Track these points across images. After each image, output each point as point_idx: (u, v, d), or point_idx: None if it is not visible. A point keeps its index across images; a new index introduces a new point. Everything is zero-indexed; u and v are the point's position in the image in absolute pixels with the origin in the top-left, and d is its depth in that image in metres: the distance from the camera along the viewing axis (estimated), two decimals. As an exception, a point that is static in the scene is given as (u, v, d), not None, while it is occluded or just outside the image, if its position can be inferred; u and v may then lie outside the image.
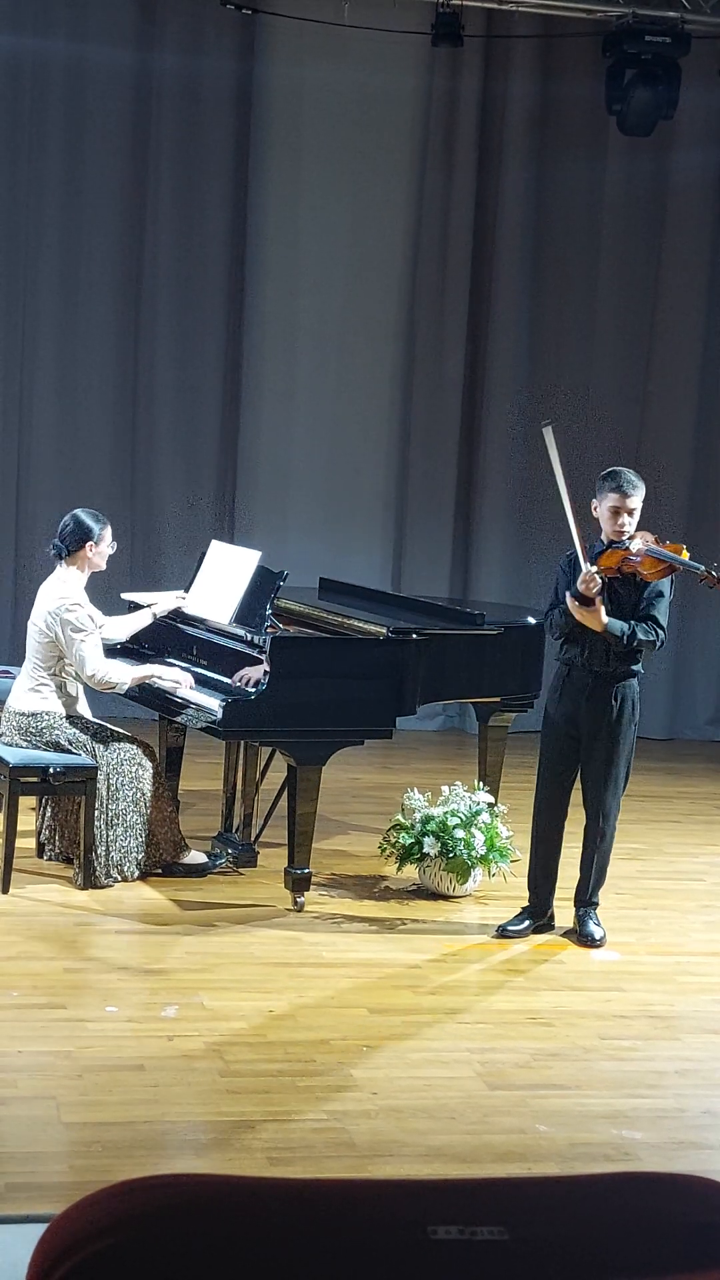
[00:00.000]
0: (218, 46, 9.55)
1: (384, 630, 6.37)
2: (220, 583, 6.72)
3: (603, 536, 6.00)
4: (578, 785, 6.20)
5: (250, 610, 6.46)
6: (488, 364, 10.19)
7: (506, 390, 10.17)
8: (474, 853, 6.48)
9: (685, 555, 5.87)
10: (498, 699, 6.90)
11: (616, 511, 5.93)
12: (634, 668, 6.03)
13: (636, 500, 5.95)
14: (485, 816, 6.56)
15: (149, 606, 6.85)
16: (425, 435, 10.16)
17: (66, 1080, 4.59)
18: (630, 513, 5.93)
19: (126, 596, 7.35)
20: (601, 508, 5.98)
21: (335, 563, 9.27)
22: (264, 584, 6.48)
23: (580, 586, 5.82)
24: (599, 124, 9.90)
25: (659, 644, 5.98)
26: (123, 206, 9.59)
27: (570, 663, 6.06)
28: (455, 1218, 1.60)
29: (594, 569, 5.83)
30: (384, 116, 9.95)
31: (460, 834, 6.46)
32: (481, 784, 6.92)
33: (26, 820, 6.70)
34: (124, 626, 6.81)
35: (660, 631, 5.94)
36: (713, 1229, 1.67)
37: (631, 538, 5.93)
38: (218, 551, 6.89)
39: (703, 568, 5.84)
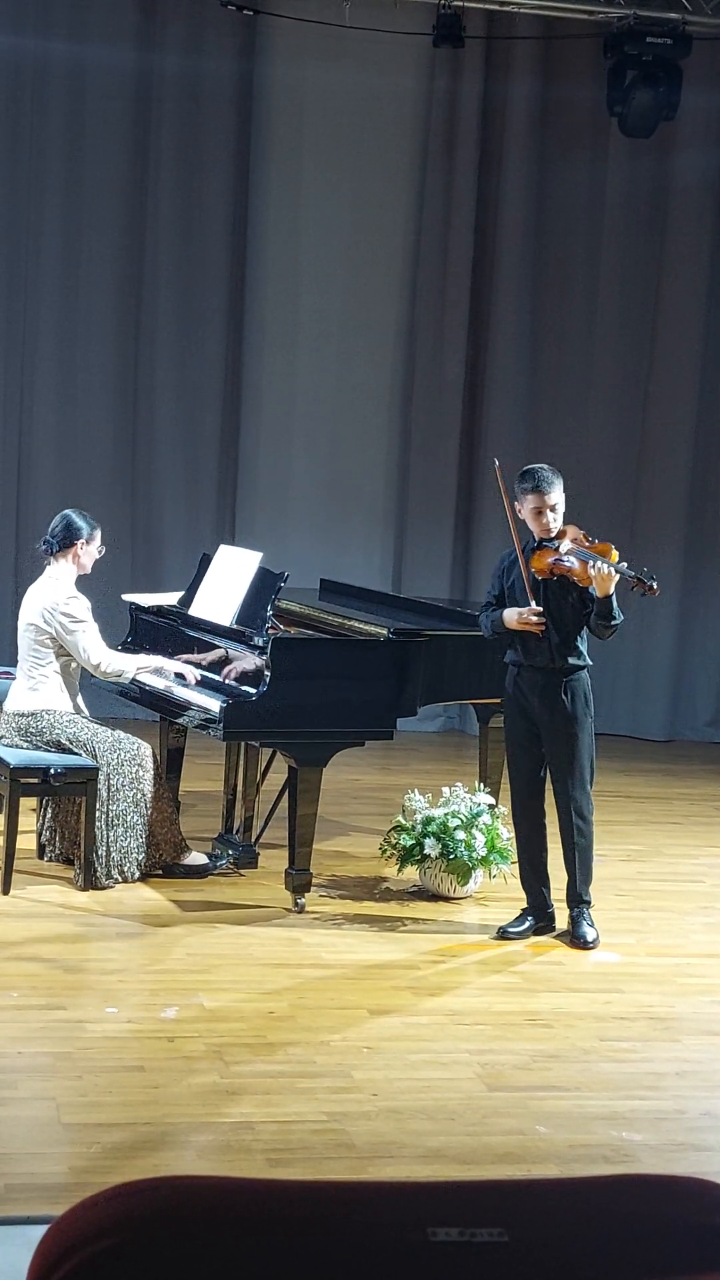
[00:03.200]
0: (218, 47, 9.56)
1: (385, 631, 6.37)
2: (222, 584, 6.72)
3: (536, 536, 6.00)
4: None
5: (251, 611, 6.46)
6: (488, 365, 10.19)
7: (507, 392, 10.18)
8: (474, 854, 6.48)
9: (614, 556, 5.81)
10: (498, 700, 6.88)
11: (539, 511, 5.93)
12: (578, 661, 6.02)
13: (556, 495, 5.94)
14: (486, 818, 6.56)
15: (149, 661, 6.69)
16: (426, 436, 10.16)
17: (66, 1081, 4.59)
18: (552, 508, 5.93)
19: (127, 598, 7.36)
20: (524, 510, 5.98)
21: (336, 564, 9.27)
22: (265, 585, 6.48)
23: (518, 624, 5.88)
24: (600, 125, 9.91)
25: (621, 624, 5.98)
26: (123, 207, 9.59)
27: (517, 663, 6.07)
28: (455, 1219, 1.60)
29: (535, 615, 5.86)
30: (385, 118, 9.96)
31: (461, 835, 6.46)
32: (482, 785, 6.93)
33: (27, 821, 6.70)
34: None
35: (620, 613, 5.93)
36: (712, 1231, 1.67)
37: (560, 534, 5.92)
38: (223, 554, 6.90)
39: (633, 574, 5.79)
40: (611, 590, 5.79)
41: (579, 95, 9.96)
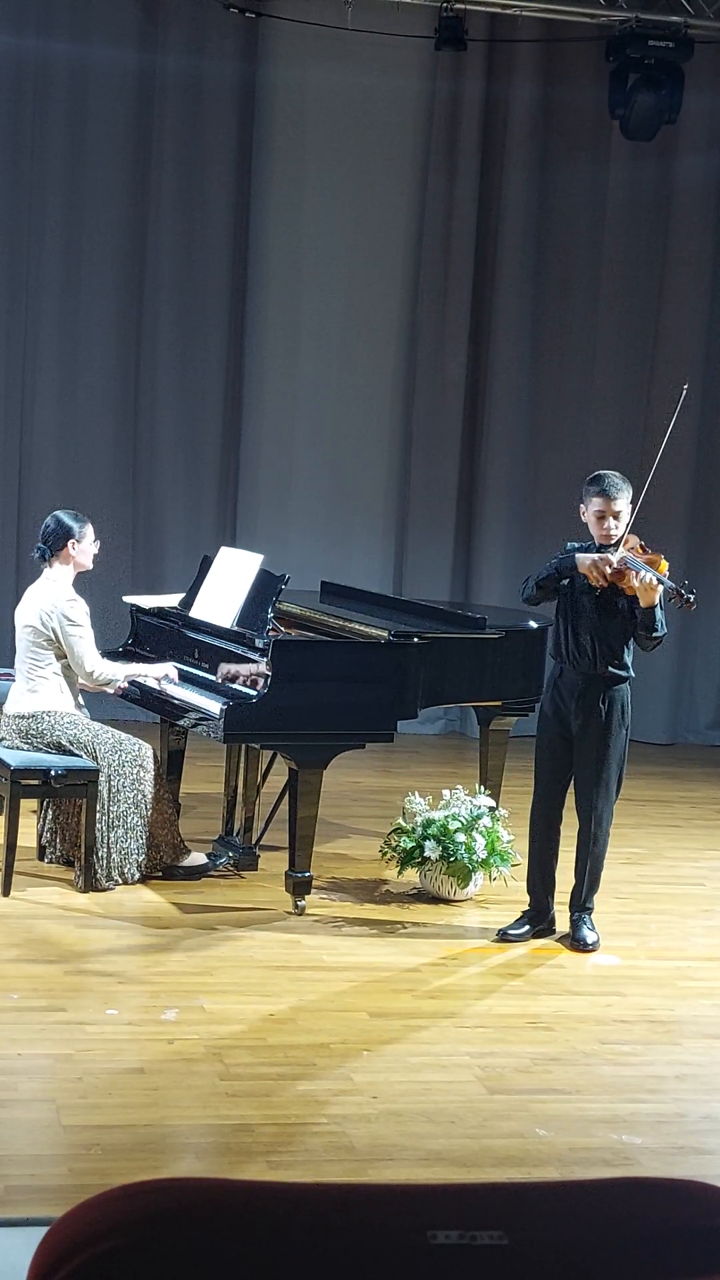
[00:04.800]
0: (220, 49, 9.56)
1: (386, 634, 6.37)
2: (223, 586, 6.73)
3: (596, 542, 5.99)
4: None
5: (252, 613, 6.46)
6: (490, 367, 10.20)
7: (508, 394, 10.18)
8: (475, 857, 6.48)
9: (664, 568, 5.82)
10: (499, 703, 6.90)
11: (602, 516, 5.90)
12: (622, 672, 6.01)
13: (622, 503, 5.92)
14: (486, 820, 6.56)
15: (145, 666, 6.73)
16: (427, 438, 10.16)
17: (66, 1083, 4.59)
18: (616, 515, 5.91)
19: (128, 600, 7.36)
20: (588, 513, 5.96)
21: (336, 566, 9.28)
22: (266, 587, 6.48)
23: (590, 568, 5.79)
24: (602, 128, 9.91)
25: (664, 637, 5.99)
26: (125, 209, 9.60)
27: (559, 663, 6.06)
28: (455, 1222, 1.60)
29: (610, 567, 5.77)
30: (387, 120, 9.96)
31: (461, 838, 6.46)
32: (482, 788, 6.92)
33: (28, 823, 6.70)
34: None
35: (664, 626, 5.95)
36: (713, 1234, 1.67)
37: (622, 542, 5.92)
38: (224, 556, 6.90)
39: (673, 585, 5.80)
40: (655, 601, 5.78)
41: (581, 98, 9.96)
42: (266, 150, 9.84)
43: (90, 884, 6.31)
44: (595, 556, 5.85)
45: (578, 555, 5.91)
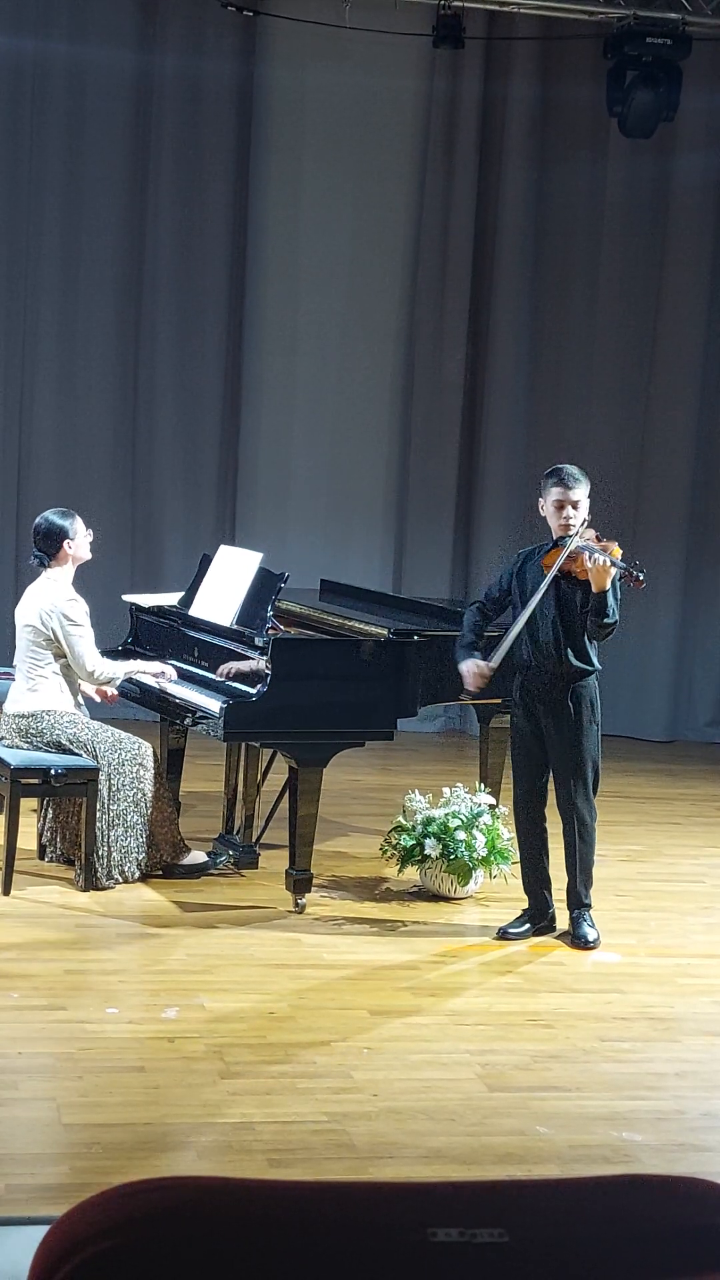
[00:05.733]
0: (218, 48, 9.56)
1: (385, 632, 6.37)
2: (222, 585, 6.73)
3: (554, 535, 6.01)
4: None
5: (252, 612, 6.47)
6: (488, 366, 10.20)
7: (507, 392, 10.18)
8: (475, 854, 6.48)
9: (616, 553, 5.83)
10: (498, 700, 6.89)
11: (560, 505, 5.93)
12: (587, 665, 6.01)
13: (579, 493, 5.95)
14: (486, 818, 6.57)
15: (136, 663, 6.74)
16: (426, 437, 10.17)
17: (67, 1082, 4.59)
18: (574, 505, 5.93)
19: (127, 599, 7.36)
20: (546, 504, 5.99)
21: (336, 564, 9.28)
22: (265, 586, 6.49)
23: (470, 681, 6.03)
24: (600, 126, 9.91)
25: (616, 625, 5.97)
26: (123, 208, 9.60)
27: (525, 664, 6.07)
28: (455, 1220, 1.61)
29: (480, 676, 5.97)
30: (385, 119, 9.96)
31: (461, 836, 6.47)
32: (482, 786, 6.93)
33: (28, 822, 6.70)
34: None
35: (616, 613, 5.92)
36: (713, 1231, 1.67)
37: (576, 534, 5.93)
38: (223, 555, 6.91)
39: (624, 565, 5.81)
40: (606, 585, 5.79)
41: (579, 96, 9.96)
42: (264, 149, 9.84)
43: (90, 883, 6.31)
44: (472, 664, 6.01)
45: (468, 663, 6.04)
